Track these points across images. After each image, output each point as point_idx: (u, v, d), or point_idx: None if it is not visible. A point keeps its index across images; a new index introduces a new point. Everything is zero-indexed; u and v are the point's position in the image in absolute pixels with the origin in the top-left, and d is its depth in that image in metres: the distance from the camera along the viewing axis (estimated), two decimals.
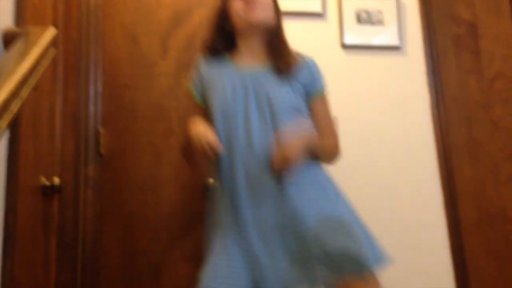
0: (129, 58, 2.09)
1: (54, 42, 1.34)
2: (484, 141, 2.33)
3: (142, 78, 2.08)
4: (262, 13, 1.54)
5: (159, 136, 2.04)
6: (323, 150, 1.53)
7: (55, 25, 1.85)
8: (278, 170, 1.39)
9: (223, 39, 1.62)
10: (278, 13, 1.61)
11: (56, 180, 1.81)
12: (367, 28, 2.26)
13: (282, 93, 1.49)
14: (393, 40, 2.28)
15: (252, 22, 1.55)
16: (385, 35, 2.27)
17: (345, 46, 2.24)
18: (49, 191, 1.81)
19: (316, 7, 2.23)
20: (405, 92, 2.25)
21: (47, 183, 1.78)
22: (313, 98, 1.56)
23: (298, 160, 1.39)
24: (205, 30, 2.12)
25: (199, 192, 2.00)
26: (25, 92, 1.10)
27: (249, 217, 1.40)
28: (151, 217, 1.96)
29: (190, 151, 1.49)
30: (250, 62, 1.57)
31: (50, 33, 1.32)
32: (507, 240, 2.23)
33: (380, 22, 2.28)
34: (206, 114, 1.54)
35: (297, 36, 2.25)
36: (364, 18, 2.26)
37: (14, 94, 1.01)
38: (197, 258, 1.94)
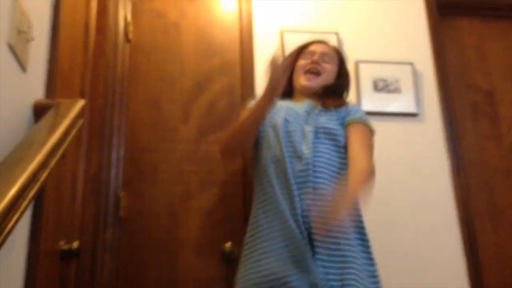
0: (151, 123, 2.15)
1: (82, 113, 1.40)
2: (505, 207, 2.30)
3: (163, 142, 2.12)
4: (319, 80, 1.80)
5: (177, 199, 2.05)
6: (357, 193, 1.52)
7: (82, 93, 1.93)
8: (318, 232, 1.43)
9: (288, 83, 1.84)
10: (340, 68, 1.89)
11: (75, 244, 1.83)
12: (383, 95, 2.30)
13: (324, 120, 1.68)
14: (410, 108, 2.31)
15: (305, 87, 1.82)
16: (403, 103, 2.31)
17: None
18: (67, 255, 1.82)
19: None
20: (424, 159, 2.25)
21: (66, 246, 1.79)
22: (348, 124, 1.71)
23: (339, 223, 1.40)
24: (225, 97, 2.20)
25: (216, 257, 1.98)
26: (53, 162, 1.14)
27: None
28: (166, 282, 1.94)
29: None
30: (303, 100, 1.80)
31: (79, 104, 1.38)
32: None
33: (397, 90, 2.32)
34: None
35: None
36: (381, 86, 2.31)
37: (43, 165, 1.05)
38: None
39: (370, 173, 1.59)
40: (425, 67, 2.40)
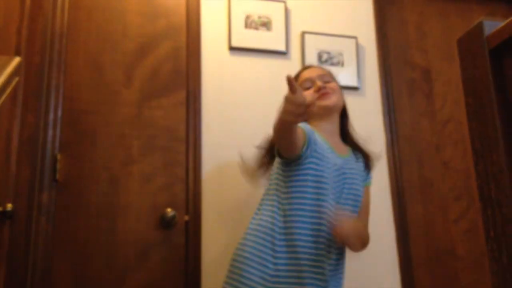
0: (91, 85, 2.09)
1: (17, 71, 1.34)
2: (435, 181, 2.43)
3: (104, 105, 2.07)
4: (334, 97, 1.67)
5: (118, 164, 2.03)
6: (363, 241, 1.59)
7: (18, 49, 1.84)
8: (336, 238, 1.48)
9: None
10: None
11: (9, 206, 1.78)
12: (327, 67, 2.34)
13: (361, 184, 1.66)
14: (352, 81, 2.37)
15: (327, 106, 1.66)
16: (345, 76, 2.36)
17: None
18: (0, 217, 1.77)
19: (281, 46, 2.31)
20: (363, 131, 2.32)
21: None
22: (365, 185, 1.72)
23: (350, 238, 1.46)
24: (169, 61, 2.17)
25: (155, 222, 1.99)
26: None
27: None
28: (104, 245, 1.93)
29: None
30: (339, 149, 1.67)
31: (14, 62, 1.32)
32: (455, 278, 2.32)
33: (340, 63, 2.37)
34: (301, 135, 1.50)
35: (262, 72, 2.32)
36: (325, 59, 2.35)
37: None
38: None
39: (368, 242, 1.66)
40: (368, 42, 2.47)
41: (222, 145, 2.13)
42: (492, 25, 0.83)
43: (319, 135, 1.62)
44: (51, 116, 2.01)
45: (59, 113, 2.03)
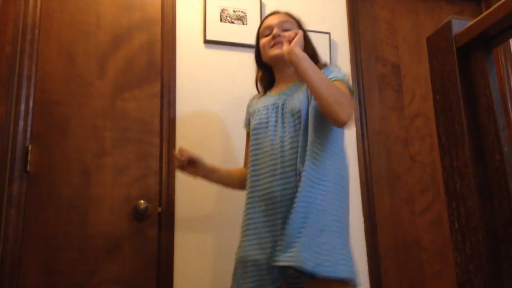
0: (64, 76, 2.06)
1: None
2: (402, 174, 2.50)
3: (77, 96, 2.05)
4: (285, 47, 1.62)
5: (90, 156, 2.01)
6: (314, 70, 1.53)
7: None
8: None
9: (268, 74, 1.81)
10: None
11: None
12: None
13: (302, 101, 1.61)
14: None
15: (275, 56, 1.70)
16: None
17: None
18: None
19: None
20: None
21: None
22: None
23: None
24: (144, 54, 2.16)
25: (128, 214, 1.99)
26: None
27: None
28: (75, 237, 1.92)
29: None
30: (283, 87, 1.73)
31: None
32: (420, 268, 2.40)
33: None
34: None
35: (237, 65, 2.33)
36: None
37: None
38: (121, 281, 1.93)
39: (345, 104, 1.50)
40: (340, 37, 2.51)
41: (196, 138, 2.14)
42: (460, 24, 0.86)
43: (258, 98, 1.81)
44: (23, 107, 1.97)
45: (31, 104, 1.99)
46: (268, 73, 1.82)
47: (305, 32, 1.75)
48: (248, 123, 1.82)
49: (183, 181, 2.08)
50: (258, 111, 1.72)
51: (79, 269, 1.90)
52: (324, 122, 1.57)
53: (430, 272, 2.40)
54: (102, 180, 2.00)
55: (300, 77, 1.55)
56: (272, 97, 1.74)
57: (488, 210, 0.76)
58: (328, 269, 1.40)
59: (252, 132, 1.70)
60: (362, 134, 2.44)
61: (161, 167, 2.07)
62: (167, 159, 2.09)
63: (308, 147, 1.53)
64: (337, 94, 1.49)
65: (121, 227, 1.97)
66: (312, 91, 1.50)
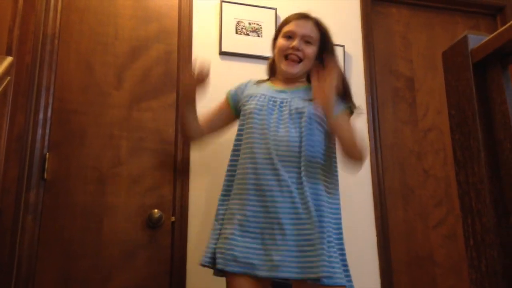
0: (82, 85, 2.10)
1: (9, 70, 1.35)
2: (416, 187, 2.48)
3: (94, 106, 2.08)
4: (299, 68, 1.74)
5: (106, 164, 2.04)
6: (342, 127, 1.65)
7: (10, 49, 1.84)
8: (317, 103, 1.59)
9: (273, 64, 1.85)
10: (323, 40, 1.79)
11: None
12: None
13: (307, 104, 1.66)
14: None
15: (286, 73, 1.76)
16: None
17: None
18: None
19: (270, 52, 2.33)
20: None
21: None
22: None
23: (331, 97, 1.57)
24: (160, 65, 2.19)
25: (142, 223, 2.01)
26: None
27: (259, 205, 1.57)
28: (90, 245, 1.94)
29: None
30: (286, 84, 1.78)
31: (6, 61, 1.33)
32: (433, 283, 2.37)
33: None
34: (224, 111, 1.86)
35: (251, 77, 2.34)
36: None
37: None
38: None
39: (360, 151, 1.68)
40: (355, 50, 2.52)
41: (211, 148, 2.15)
42: (476, 39, 0.86)
43: (257, 84, 1.83)
44: (41, 115, 2.01)
45: (49, 112, 2.03)
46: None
47: (324, 37, 1.81)
48: (234, 98, 1.84)
49: (196, 191, 2.09)
50: (257, 97, 1.73)
51: (93, 276, 1.92)
52: (330, 135, 1.69)
53: (444, 287, 2.37)
54: (117, 188, 2.02)
55: (331, 128, 1.65)
56: (274, 89, 1.77)
57: (504, 226, 0.76)
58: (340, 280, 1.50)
59: (247, 115, 1.70)
60: (376, 148, 2.43)
61: (175, 177, 2.09)
62: (181, 169, 2.10)
63: (317, 159, 1.62)
64: (359, 144, 1.65)
65: (135, 236, 1.99)
66: (339, 142, 1.65)
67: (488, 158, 0.80)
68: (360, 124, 2.41)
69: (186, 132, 1.86)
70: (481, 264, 0.77)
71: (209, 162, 2.14)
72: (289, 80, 1.78)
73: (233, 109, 1.84)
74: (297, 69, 1.74)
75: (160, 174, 2.09)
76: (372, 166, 2.39)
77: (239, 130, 1.75)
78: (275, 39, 1.84)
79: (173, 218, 2.04)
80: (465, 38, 0.87)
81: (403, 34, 2.72)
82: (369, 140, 2.42)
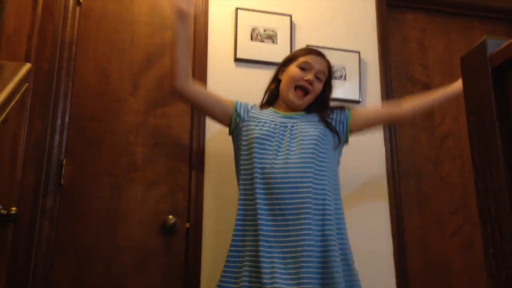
0: (98, 92, 2.12)
1: (27, 77, 1.37)
2: (432, 195, 2.46)
3: (110, 112, 2.10)
4: (305, 100, 1.79)
5: (122, 170, 2.05)
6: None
7: (28, 56, 1.87)
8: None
9: (277, 90, 1.87)
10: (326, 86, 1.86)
11: (13, 209, 1.80)
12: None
13: (310, 129, 1.71)
14: (354, 95, 2.41)
15: (293, 103, 1.80)
16: (347, 90, 2.40)
17: None
18: (4, 220, 1.79)
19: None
20: (364, 144, 2.36)
21: (3, 211, 1.76)
22: (349, 115, 1.85)
23: None
24: None
25: (156, 229, 2.01)
26: None
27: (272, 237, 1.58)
28: (105, 250, 1.95)
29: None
30: (289, 110, 1.82)
31: (25, 68, 1.35)
32: None
33: (343, 77, 2.41)
34: (223, 104, 1.83)
35: (266, 84, 2.35)
36: None
37: None
38: None
39: None
40: (370, 56, 2.51)
41: (224, 155, 2.15)
42: (495, 44, 0.84)
43: (259, 108, 1.85)
44: (59, 122, 2.04)
45: (66, 119, 2.06)
46: (278, 89, 1.88)
47: (329, 79, 1.88)
48: (239, 108, 1.82)
49: (211, 197, 2.09)
50: (265, 122, 1.75)
51: (108, 282, 1.92)
52: (336, 152, 1.80)
53: None
54: (132, 194, 2.03)
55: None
56: (278, 114, 1.80)
57: None
58: None
59: (255, 141, 1.69)
60: (392, 154, 2.41)
61: (190, 183, 2.09)
62: (196, 175, 2.11)
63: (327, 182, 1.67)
64: None
65: (149, 242, 2.00)
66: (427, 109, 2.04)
67: (507, 165, 0.78)
68: (376, 131, 2.40)
69: (173, 62, 1.73)
70: (500, 274, 0.75)
71: (224, 168, 2.14)
72: (291, 108, 1.82)
73: (233, 112, 1.82)
74: (303, 101, 1.80)
75: (175, 180, 2.09)
76: (388, 173, 2.37)
77: (243, 160, 1.73)
78: (285, 65, 1.85)
79: (187, 225, 2.04)
80: (484, 43, 0.85)
81: (419, 40, 2.70)
82: (385, 146, 2.40)
